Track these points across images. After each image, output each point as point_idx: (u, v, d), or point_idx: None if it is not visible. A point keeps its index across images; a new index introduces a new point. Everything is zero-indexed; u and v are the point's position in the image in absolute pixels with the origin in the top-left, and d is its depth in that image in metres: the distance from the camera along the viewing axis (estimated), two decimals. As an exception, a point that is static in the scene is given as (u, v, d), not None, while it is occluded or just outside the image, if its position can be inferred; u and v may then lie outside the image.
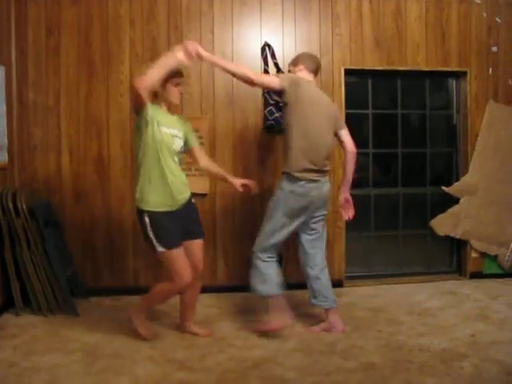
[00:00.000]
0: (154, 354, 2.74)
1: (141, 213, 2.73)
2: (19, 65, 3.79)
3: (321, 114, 2.95)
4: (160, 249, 2.71)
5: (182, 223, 2.81)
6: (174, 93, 2.76)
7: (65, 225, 3.83)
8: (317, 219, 3.08)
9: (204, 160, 3.02)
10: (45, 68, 3.82)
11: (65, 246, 3.74)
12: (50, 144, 3.84)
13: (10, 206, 3.33)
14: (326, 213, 3.13)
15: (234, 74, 2.84)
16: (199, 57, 2.67)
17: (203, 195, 3.97)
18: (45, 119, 3.84)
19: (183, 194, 2.82)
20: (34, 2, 3.79)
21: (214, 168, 3.07)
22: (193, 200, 2.96)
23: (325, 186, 3.03)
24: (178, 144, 2.80)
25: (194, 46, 2.63)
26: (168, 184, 2.71)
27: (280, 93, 2.99)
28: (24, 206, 3.37)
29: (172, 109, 2.86)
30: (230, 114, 4.00)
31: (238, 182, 3.01)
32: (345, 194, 3.15)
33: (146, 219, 2.70)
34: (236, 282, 3.97)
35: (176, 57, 2.56)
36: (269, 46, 3.95)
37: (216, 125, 3.99)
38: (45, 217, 3.50)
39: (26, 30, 3.79)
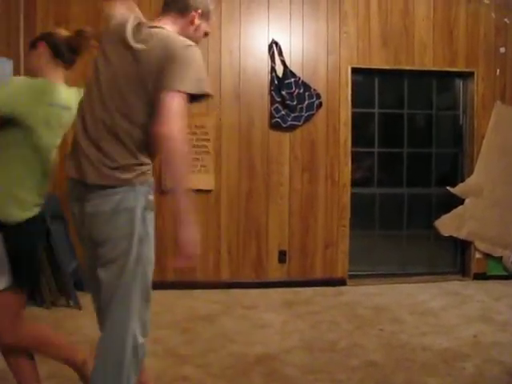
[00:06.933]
0: (156, 349, 2.74)
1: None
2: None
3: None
4: None
5: None
6: None
7: (69, 218, 3.84)
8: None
9: None
10: (52, 62, 3.84)
11: (69, 239, 3.76)
12: (57, 138, 3.86)
13: (16, 198, 3.35)
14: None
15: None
16: None
17: (208, 191, 3.98)
18: (52, 113, 3.85)
19: None
20: (42, -4, 3.81)
21: None
22: None
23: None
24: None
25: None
26: None
27: None
28: (30, 199, 3.38)
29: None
30: (236, 110, 4.00)
31: None
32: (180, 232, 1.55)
33: None
34: (240, 279, 4.00)
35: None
36: (276, 43, 3.96)
37: (222, 121, 3.99)
38: (51, 211, 3.51)
39: (34, 24, 3.80)
